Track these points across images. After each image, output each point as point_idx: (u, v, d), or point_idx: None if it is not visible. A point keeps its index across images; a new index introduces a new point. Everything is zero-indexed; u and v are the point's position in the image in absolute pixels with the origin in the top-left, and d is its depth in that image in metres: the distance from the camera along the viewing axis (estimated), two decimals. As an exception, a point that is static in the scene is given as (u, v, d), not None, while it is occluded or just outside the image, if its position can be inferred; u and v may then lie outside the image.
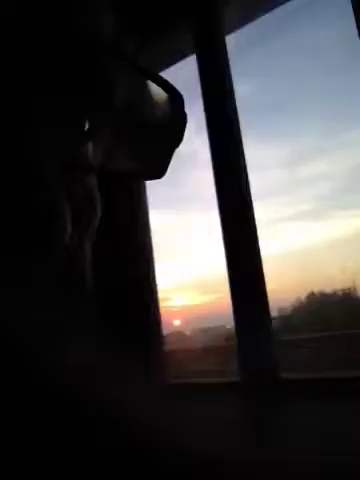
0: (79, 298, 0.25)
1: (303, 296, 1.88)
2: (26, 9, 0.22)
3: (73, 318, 0.24)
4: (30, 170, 0.20)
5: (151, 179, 0.29)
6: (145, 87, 0.26)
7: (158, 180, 0.30)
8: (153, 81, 0.27)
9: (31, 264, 0.20)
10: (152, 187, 1.93)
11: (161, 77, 0.27)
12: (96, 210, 0.27)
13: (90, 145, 0.25)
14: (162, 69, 1.86)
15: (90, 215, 0.27)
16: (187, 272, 2.12)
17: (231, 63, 1.68)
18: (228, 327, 1.85)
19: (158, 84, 0.27)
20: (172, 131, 0.28)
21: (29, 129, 0.21)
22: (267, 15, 1.65)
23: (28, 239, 0.20)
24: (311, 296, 1.88)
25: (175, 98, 0.27)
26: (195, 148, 2.04)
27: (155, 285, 1.88)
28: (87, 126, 0.24)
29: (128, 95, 0.26)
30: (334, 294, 1.84)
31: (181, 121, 0.28)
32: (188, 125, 0.29)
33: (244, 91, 1.80)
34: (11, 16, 0.21)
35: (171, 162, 0.29)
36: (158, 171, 0.28)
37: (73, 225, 0.23)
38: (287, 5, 1.59)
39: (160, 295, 1.88)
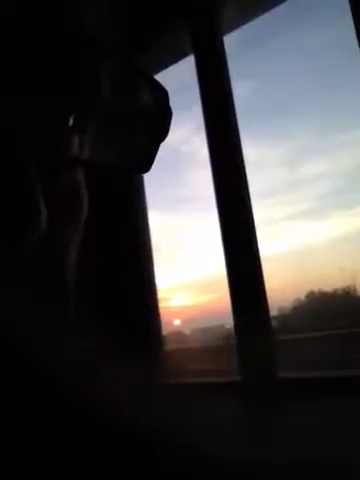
0: (62, 294, 0.25)
1: (303, 295, 1.88)
2: (16, 10, 0.22)
3: (58, 315, 0.24)
4: (7, 163, 0.20)
5: (137, 173, 0.29)
6: (130, 82, 0.27)
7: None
8: (138, 76, 0.27)
9: (2, 256, 0.20)
10: (151, 188, 1.93)
11: (146, 72, 0.27)
12: (81, 205, 0.27)
13: (76, 139, 0.25)
14: (160, 69, 1.86)
15: (75, 210, 0.27)
16: (186, 272, 2.12)
17: (229, 63, 1.68)
18: (228, 327, 1.85)
19: (143, 79, 0.27)
20: (157, 125, 0.28)
21: (11, 125, 0.21)
22: (265, 15, 1.65)
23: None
24: (311, 295, 1.88)
25: (159, 93, 0.27)
26: (194, 148, 2.04)
27: (155, 285, 1.88)
28: (72, 121, 0.24)
29: (113, 90, 0.26)
30: (334, 293, 1.84)
31: (165, 115, 0.28)
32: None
33: (242, 91, 1.81)
34: (8, 16, 0.22)
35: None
36: (144, 165, 0.28)
37: (56, 220, 0.22)
38: (285, 5, 1.59)
39: (160, 295, 1.88)
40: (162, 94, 0.28)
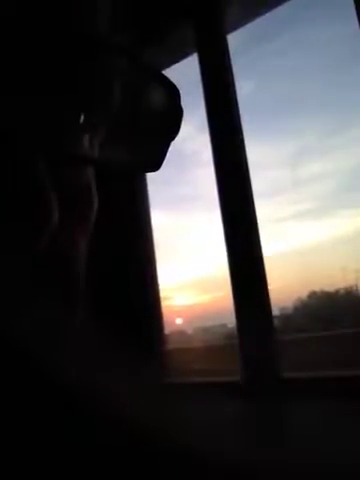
0: (72, 294, 0.25)
1: (305, 295, 1.88)
2: (24, 7, 0.22)
3: (67, 314, 0.24)
4: (14, 161, 0.20)
5: (147, 171, 0.29)
6: (141, 80, 0.26)
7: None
8: (148, 74, 0.26)
9: (13, 257, 0.20)
10: (154, 186, 1.93)
11: (156, 70, 0.27)
12: (92, 204, 0.27)
13: (86, 138, 0.25)
14: (164, 68, 1.86)
15: (85, 209, 0.27)
16: (189, 271, 2.12)
17: (233, 62, 1.68)
18: (230, 326, 1.85)
19: (153, 76, 0.27)
20: (168, 124, 0.28)
21: (17, 123, 0.21)
22: (269, 14, 1.65)
23: (9, 230, 0.20)
24: (313, 295, 1.88)
25: (170, 90, 0.27)
26: (197, 147, 2.03)
27: (157, 284, 1.88)
28: (82, 119, 0.24)
29: (124, 88, 0.26)
30: (336, 293, 1.83)
31: (177, 113, 0.28)
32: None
33: (246, 90, 1.80)
34: (11, 16, 0.21)
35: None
36: (154, 164, 0.28)
37: (66, 218, 0.22)
38: (289, 3, 1.59)
39: (162, 294, 1.88)
40: (173, 92, 0.27)
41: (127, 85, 0.26)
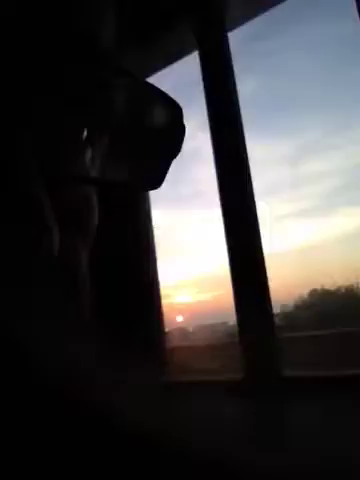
0: (73, 307, 0.25)
1: (305, 293, 1.88)
2: (26, 10, 0.21)
3: (70, 321, 0.24)
4: (12, 177, 0.19)
5: (148, 190, 0.29)
6: (143, 98, 0.26)
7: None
8: (150, 92, 0.26)
9: (20, 273, 0.20)
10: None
11: (158, 88, 0.26)
12: (93, 218, 0.27)
13: (88, 153, 0.25)
14: (165, 66, 1.85)
15: (86, 222, 0.26)
16: (190, 269, 2.12)
17: (234, 60, 1.68)
18: (231, 324, 1.85)
19: (155, 95, 0.26)
20: (170, 142, 0.28)
21: (17, 136, 0.20)
22: (269, 12, 1.65)
23: (12, 249, 0.19)
24: (313, 293, 1.87)
25: (173, 109, 0.27)
26: (198, 145, 2.03)
27: (157, 282, 1.88)
28: (85, 136, 0.24)
29: (126, 106, 0.26)
30: (337, 291, 1.83)
31: (179, 133, 0.28)
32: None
33: (247, 88, 1.80)
34: (11, 16, 0.21)
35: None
36: (155, 182, 0.28)
37: (66, 232, 0.22)
38: (290, 1, 1.58)
39: (163, 292, 1.88)
40: (175, 110, 0.27)
41: (129, 102, 0.26)
